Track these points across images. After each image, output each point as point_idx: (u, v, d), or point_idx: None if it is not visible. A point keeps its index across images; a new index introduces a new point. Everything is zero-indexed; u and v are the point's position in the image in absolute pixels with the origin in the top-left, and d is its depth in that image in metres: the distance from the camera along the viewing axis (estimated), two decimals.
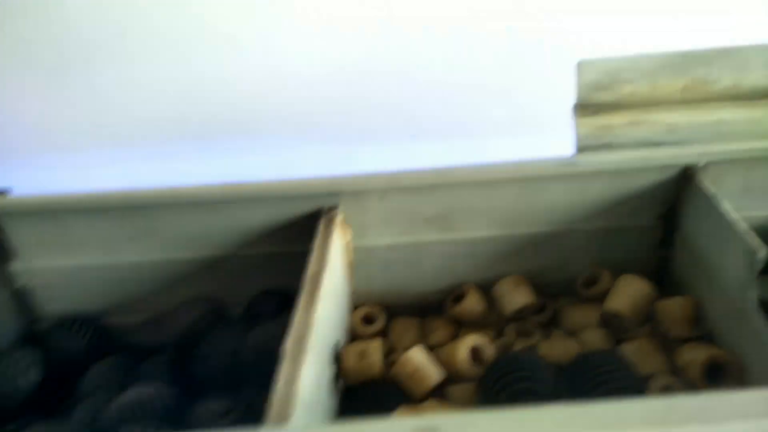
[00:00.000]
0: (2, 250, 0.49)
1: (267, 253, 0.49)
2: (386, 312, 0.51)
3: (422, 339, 0.48)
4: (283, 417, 0.29)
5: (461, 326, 0.49)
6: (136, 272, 0.51)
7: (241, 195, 0.46)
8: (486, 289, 0.49)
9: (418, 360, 0.42)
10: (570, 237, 0.48)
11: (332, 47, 0.66)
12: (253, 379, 0.40)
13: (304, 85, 0.69)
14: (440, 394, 0.42)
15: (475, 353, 0.43)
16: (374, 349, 0.44)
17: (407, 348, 0.46)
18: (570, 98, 0.48)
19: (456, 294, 0.50)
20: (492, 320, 0.48)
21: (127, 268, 0.50)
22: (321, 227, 0.44)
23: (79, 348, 0.48)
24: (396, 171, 0.46)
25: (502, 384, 0.37)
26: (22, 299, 0.52)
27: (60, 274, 0.51)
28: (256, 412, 0.39)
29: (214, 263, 0.50)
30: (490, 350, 0.43)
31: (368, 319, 0.50)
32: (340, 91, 0.70)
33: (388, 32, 0.64)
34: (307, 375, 0.32)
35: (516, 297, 0.47)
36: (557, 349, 0.43)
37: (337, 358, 0.42)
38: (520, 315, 0.48)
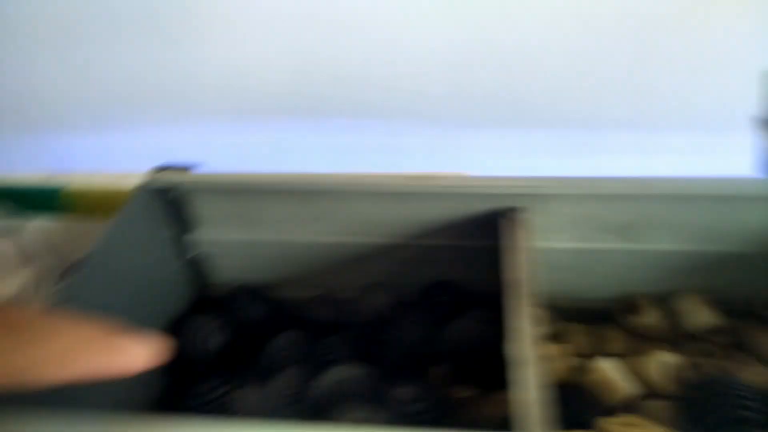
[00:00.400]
0: (183, 222, 0.52)
1: (441, 245, 0.50)
2: (555, 314, 0.51)
3: (597, 347, 0.48)
4: (533, 426, 0.30)
5: (635, 338, 0.48)
6: (307, 251, 0.52)
7: (424, 189, 0.47)
8: (658, 302, 0.49)
9: (608, 370, 0.42)
10: (758, 259, 0.47)
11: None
12: (443, 371, 0.41)
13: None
14: (630, 408, 0.42)
15: (664, 368, 0.43)
16: (560, 352, 0.44)
17: (586, 354, 0.46)
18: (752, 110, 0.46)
19: (628, 304, 0.49)
20: (669, 336, 0.48)
21: (299, 246, 0.52)
22: (505, 229, 0.44)
23: (260, 316, 0.51)
24: (587, 176, 0.45)
25: (714, 407, 0.37)
26: (196, 267, 0.54)
27: (235, 246, 0.53)
28: (446, 402, 0.41)
29: (387, 250, 0.51)
30: (677, 366, 0.43)
31: None
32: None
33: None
34: (539, 383, 0.32)
35: (700, 316, 0.47)
36: (756, 375, 0.42)
37: None
38: (700, 334, 0.47)
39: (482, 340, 0.40)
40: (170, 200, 0.50)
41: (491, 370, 0.40)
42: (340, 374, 0.40)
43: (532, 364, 0.33)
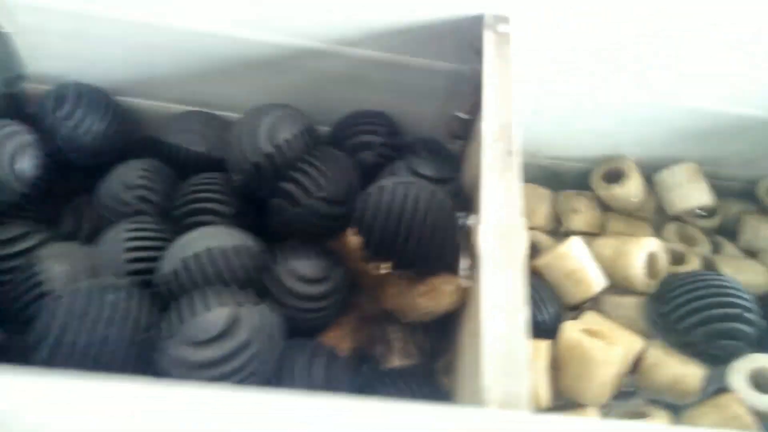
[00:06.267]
0: None
1: (385, 60, 0.36)
2: None
3: (558, 219, 0.39)
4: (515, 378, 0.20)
5: (608, 212, 0.40)
6: (178, 40, 0.36)
7: None
8: (644, 169, 0.39)
9: (582, 257, 0.33)
10: None
11: None
12: (380, 250, 0.29)
13: None
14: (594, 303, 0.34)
15: (648, 261, 0.34)
16: None
17: (541, 228, 0.37)
18: None
19: (609, 169, 0.40)
20: (647, 213, 0.39)
21: (166, 32, 0.35)
22: (489, 46, 0.31)
23: (96, 132, 0.35)
24: None
25: (699, 319, 0.30)
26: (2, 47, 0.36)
27: (64, 18, 0.35)
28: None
29: (304, 55, 0.36)
30: (663, 261, 0.35)
31: None
32: None
33: None
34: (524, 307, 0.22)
35: (692, 193, 0.38)
36: (744, 273, 0.35)
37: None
38: (685, 215, 0.39)
39: (419, 201, 0.28)
40: None
41: (426, 253, 0.29)
42: (204, 240, 0.27)
43: (510, 264, 0.22)
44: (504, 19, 0.32)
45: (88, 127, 0.35)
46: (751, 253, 0.38)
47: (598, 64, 0.35)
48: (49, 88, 0.37)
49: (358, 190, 0.32)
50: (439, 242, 0.29)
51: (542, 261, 0.34)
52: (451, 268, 0.31)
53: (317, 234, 0.33)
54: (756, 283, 0.34)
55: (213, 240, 0.28)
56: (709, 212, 0.39)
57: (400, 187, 0.29)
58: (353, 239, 0.32)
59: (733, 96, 0.36)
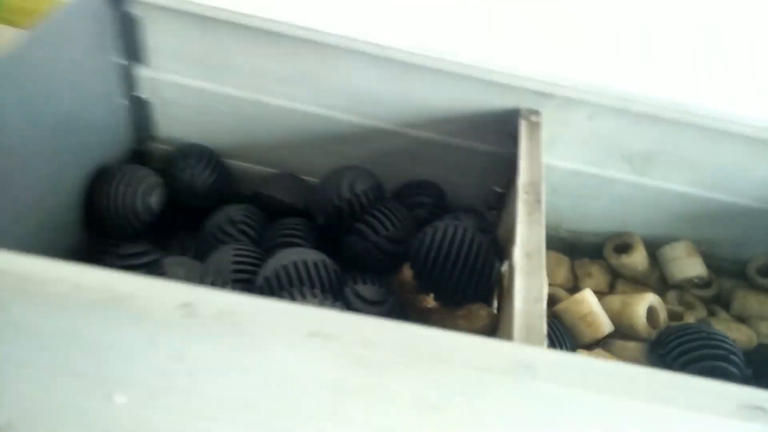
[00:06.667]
0: (133, 48, 0.44)
1: (436, 141, 0.45)
2: None
3: (574, 281, 0.46)
4: (536, 337, 0.27)
5: (617, 278, 0.47)
6: (275, 117, 0.46)
7: (433, 65, 0.41)
8: (649, 246, 0.47)
9: (594, 303, 0.40)
10: (763, 217, 0.46)
11: None
12: (429, 279, 0.37)
13: None
14: (603, 345, 0.40)
15: (649, 313, 0.41)
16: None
17: (560, 285, 0.44)
18: None
19: (619, 243, 0.48)
20: (651, 282, 0.46)
21: (267, 109, 0.46)
22: (524, 130, 0.40)
23: (208, 182, 0.45)
24: (622, 91, 0.41)
25: (691, 358, 0.36)
26: (138, 110, 0.47)
27: (189, 93, 0.46)
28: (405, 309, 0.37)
29: (372, 134, 0.46)
30: (663, 314, 0.42)
31: None
32: None
33: None
34: (545, 294, 0.29)
35: (689, 266, 0.45)
36: (733, 332, 0.41)
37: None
38: (684, 284, 0.46)
39: (462, 246, 0.36)
40: (122, 16, 0.42)
41: (466, 284, 0.37)
42: (295, 255, 0.36)
43: (534, 272, 0.30)
44: (535, 112, 0.42)
45: (202, 178, 0.45)
46: (741, 320, 0.44)
47: (607, 156, 0.44)
48: (169, 148, 0.48)
49: (414, 235, 0.40)
50: (477, 276, 0.37)
51: (560, 306, 0.41)
52: (486, 301, 0.39)
53: (380, 267, 0.41)
54: (742, 340, 0.41)
55: (302, 255, 0.36)
56: (706, 283, 0.46)
57: (449, 227, 0.37)
58: (407, 274, 0.40)
59: (722, 185, 0.45)
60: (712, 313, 0.45)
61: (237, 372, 0.24)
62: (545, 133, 0.43)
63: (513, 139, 0.41)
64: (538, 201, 0.34)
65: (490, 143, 0.45)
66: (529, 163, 0.37)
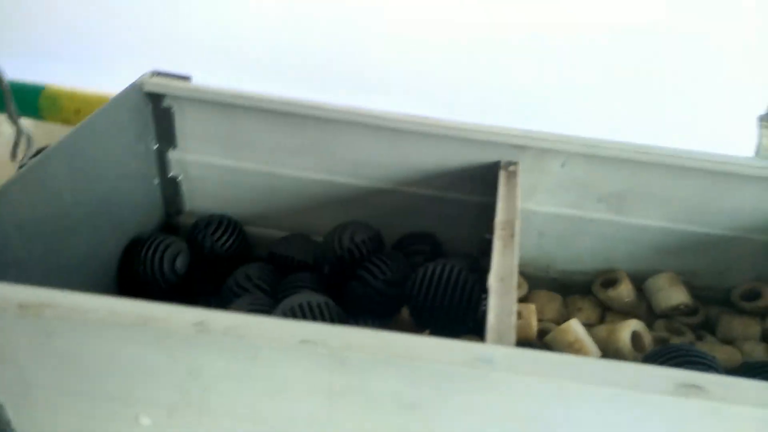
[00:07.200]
0: (168, 136, 0.51)
1: (428, 195, 0.51)
2: (527, 281, 0.52)
3: (566, 315, 0.50)
4: (506, 343, 0.31)
5: (606, 311, 0.50)
6: (289, 186, 0.53)
7: (421, 128, 0.47)
8: (635, 279, 0.50)
9: (580, 331, 0.43)
10: (739, 245, 0.49)
11: None
12: (423, 314, 0.41)
13: None
14: None
15: (634, 338, 0.44)
16: (530, 312, 0.45)
17: (552, 320, 0.47)
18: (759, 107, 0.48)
19: (606, 278, 0.51)
20: (640, 312, 0.49)
21: (282, 180, 0.52)
22: (502, 179, 0.46)
23: (228, 246, 0.51)
24: (588, 137, 0.46)
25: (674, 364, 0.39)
26: (171, 189, 0.54)
27: (213, 171, 0.53)
28: None
29: (373, 194, 0.52)
30: (648, 338, 0.44)
31: None
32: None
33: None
34: (515, 312, 0.33)
35: (673, 294, 0.48)
36: (718, 353, 0.44)
37: None
38: (670, 313, 0.49)
39: (449, 280, 0.41)
40: (160, 109, 0.50)
41: (456, 315, 0.41)
42: (301, 298, 0.40)
43: (506, 293, 0.34)
44: (514, 163, 0.47)
45: (225, 244, 0.51)
46: (727, 342, 0.47)
47: (584, 198, 0.49)
48: (196, 218, 0.54)
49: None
50: (465, 308, 0.41)
51: (550, 336, 0.44)
52: (477, 333, 0.42)
53: (380, 310, 0.45)
54: (725, 359, 0.43)
55: (306, 297, 0.41)
56: (692, 311, 0.49)
57: (439, 264, 0.42)
58: (405, 315, 0.45)
59: (694, 218, 0.49)
60: (699, 338, 0.47)
61: (243, 383, 0.29)
62: (526, 182, 0.48)
63: (495, 188, 0.46)
64: (512, 236, 0.39)
65: (478, 194, 0.50)
66: (506, 204, 0.42)
